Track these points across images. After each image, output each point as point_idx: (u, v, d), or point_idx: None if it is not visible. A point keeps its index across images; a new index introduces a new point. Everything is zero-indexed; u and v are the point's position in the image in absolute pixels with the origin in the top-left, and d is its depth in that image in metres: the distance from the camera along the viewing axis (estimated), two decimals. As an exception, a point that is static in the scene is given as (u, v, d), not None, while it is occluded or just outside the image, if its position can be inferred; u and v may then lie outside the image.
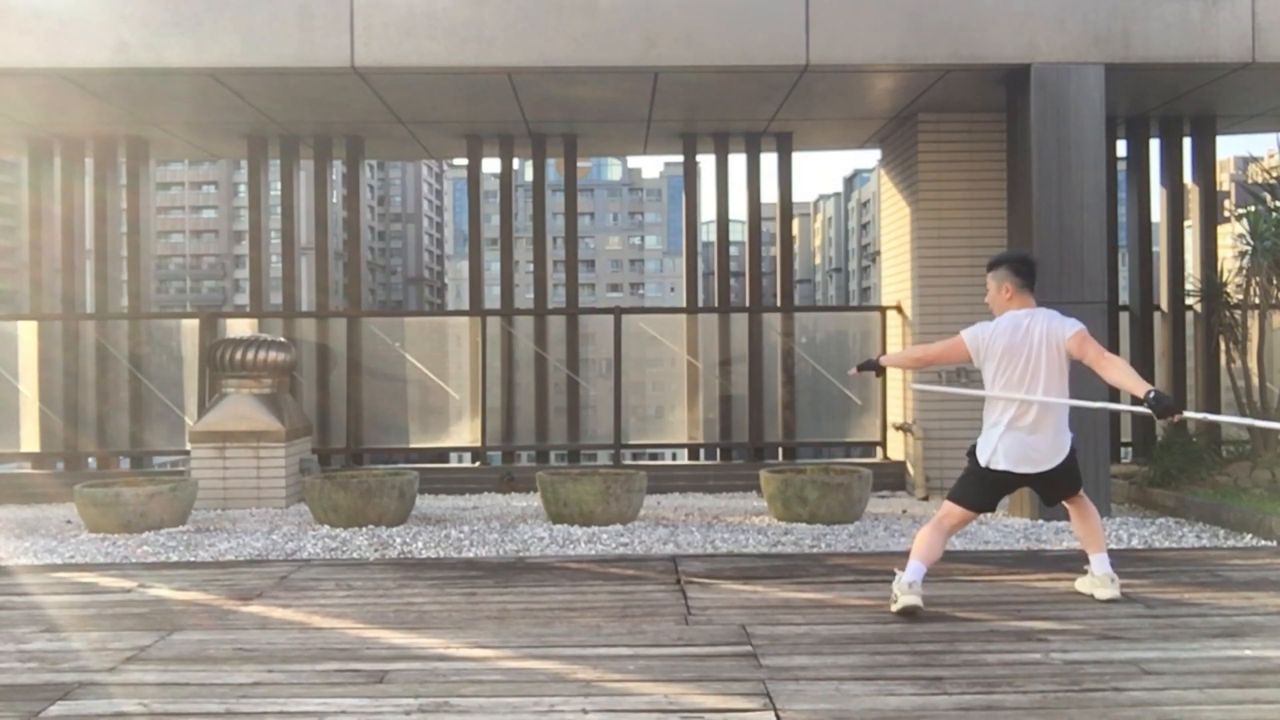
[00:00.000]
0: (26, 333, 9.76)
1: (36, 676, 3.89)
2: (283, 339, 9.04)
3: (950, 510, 4.76)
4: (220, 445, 8.32)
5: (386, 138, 9.96)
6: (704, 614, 4.71)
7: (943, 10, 7.42)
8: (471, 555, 6.31)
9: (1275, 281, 8.22)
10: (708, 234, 45.12)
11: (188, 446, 8.61)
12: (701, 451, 10.07)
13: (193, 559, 6.29)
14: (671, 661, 3.98)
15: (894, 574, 4.73)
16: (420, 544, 6.63)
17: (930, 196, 8.97)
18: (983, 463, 4.71)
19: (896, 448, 9.53)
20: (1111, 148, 9.38)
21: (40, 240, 9.88)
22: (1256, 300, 8.34)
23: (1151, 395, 4.31)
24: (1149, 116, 9.37)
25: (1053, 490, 4.84)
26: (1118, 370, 4.55)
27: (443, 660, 4.04)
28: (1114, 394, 6.94)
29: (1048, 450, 4.66)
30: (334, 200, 30.66)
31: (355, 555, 6.36)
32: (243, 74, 7.63)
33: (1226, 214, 11.09)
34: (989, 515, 7.71)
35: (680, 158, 10.28)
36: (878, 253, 23.11)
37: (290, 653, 4.16)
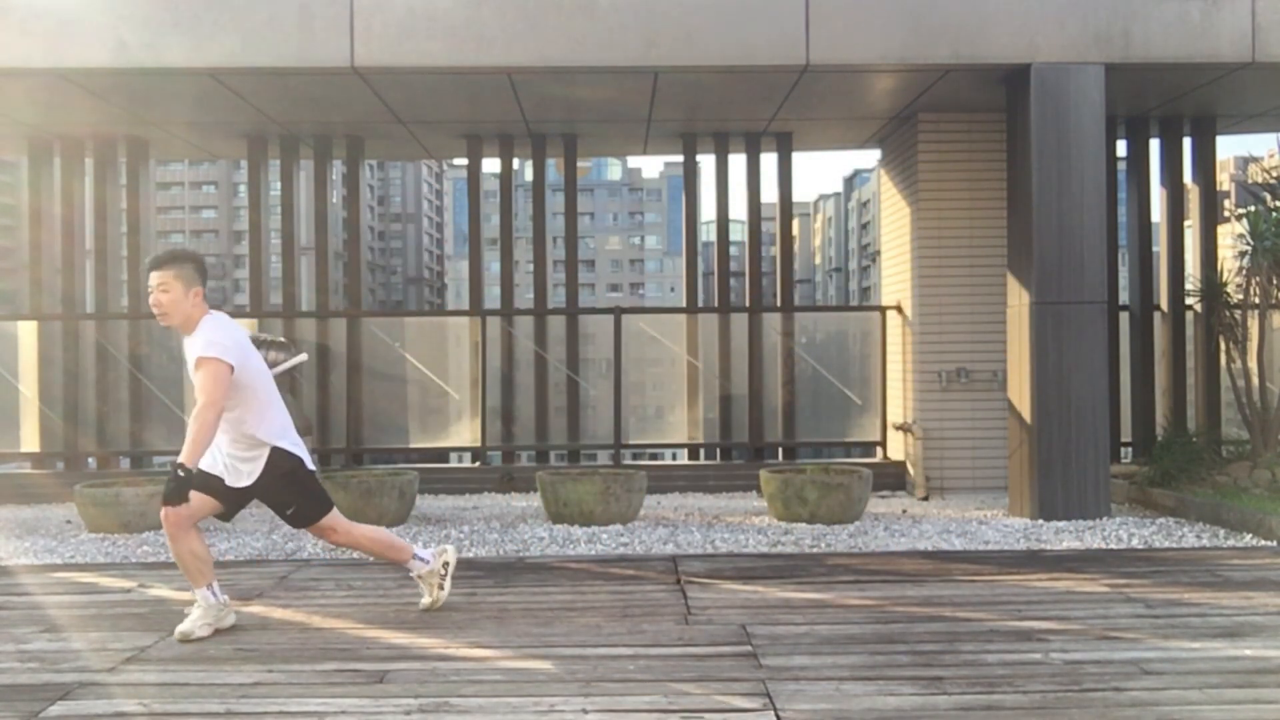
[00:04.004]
0: (26, 333, 9.75)
1: (36, 676, 3.89)
2: (283, 339, 9.02)
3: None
4: (220, 445, 8.30)
5: (386, 138, 9.96)
6: (704, 614, 4.71)
7: (943, 10, 7.42)
8: (471, 555, 6.31)
9: (1275, 281, 8.22)
10: (708, 234, 45.08)
11: (188, 446, 8.59)
12: (701, 451, 10.07)
13: (193, 559, 6.28)
14: (671, 661, 3.99)
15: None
16: (420, 544, 6.61)
17: (930, 196, 8.97)
18: (310, 466, 4.58)
19: (896, 448, 9.52)
20: (1111, 148, 9.37)
21: (40, 240, 9.86)
22: (1256, 300, 8.34)
23: (176, 465, 4.17)
24: (1149, 116, 9.37)
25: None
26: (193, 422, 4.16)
27: (443, 660, 4.04)
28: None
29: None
30: (334, 200, 30.65)
31: (355, 555, 6.36)
32: (243, 74, 7.63)
33: (1226, 214, 11.09)
34: (989, 515, 7.72)
35: (680, 158, 10.28)
36: (878, 253, 23.11)
37: (290, 653, 4.17)
